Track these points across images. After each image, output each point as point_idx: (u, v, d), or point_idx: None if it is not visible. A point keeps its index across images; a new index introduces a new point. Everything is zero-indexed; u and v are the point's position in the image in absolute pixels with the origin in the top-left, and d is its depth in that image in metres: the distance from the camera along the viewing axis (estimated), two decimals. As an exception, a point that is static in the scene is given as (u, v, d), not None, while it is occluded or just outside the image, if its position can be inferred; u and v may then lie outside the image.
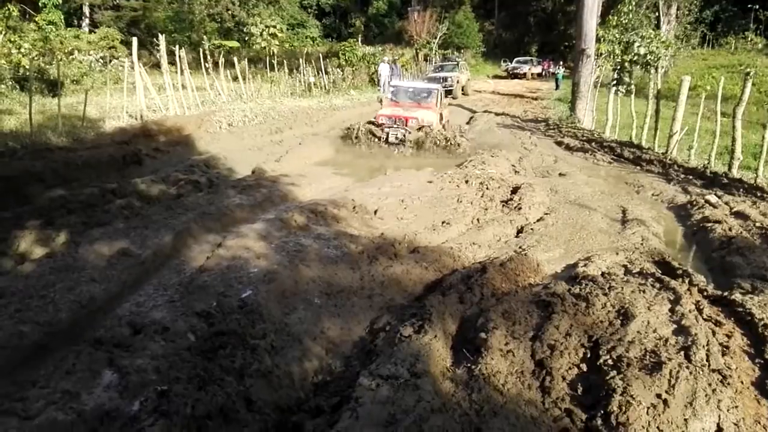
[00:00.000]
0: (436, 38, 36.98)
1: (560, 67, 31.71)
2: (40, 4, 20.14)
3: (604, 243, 6.03)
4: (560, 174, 9.64)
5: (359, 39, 35.71)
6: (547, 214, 7.06)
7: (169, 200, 7.11)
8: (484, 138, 13.84)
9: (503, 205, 7.30)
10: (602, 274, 4.73)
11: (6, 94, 14.51)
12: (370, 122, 12.40)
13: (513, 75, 37.58)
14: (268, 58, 23.88)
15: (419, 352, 3.29)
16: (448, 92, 24.49)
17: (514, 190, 7.88)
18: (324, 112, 17.06)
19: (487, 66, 42.96)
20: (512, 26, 48.67)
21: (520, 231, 6.43)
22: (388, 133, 11.76)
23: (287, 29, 35.15)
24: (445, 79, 24.81)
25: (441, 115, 13.19)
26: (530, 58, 40.98)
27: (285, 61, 24.13)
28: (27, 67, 15.97)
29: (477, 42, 43.19)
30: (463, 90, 25.57)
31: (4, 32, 17.01)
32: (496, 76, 38.91)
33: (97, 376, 3.12)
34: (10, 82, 15.65)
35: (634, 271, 4.85)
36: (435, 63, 32.55)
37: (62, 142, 9.84)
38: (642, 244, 5.94)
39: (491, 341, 3.31)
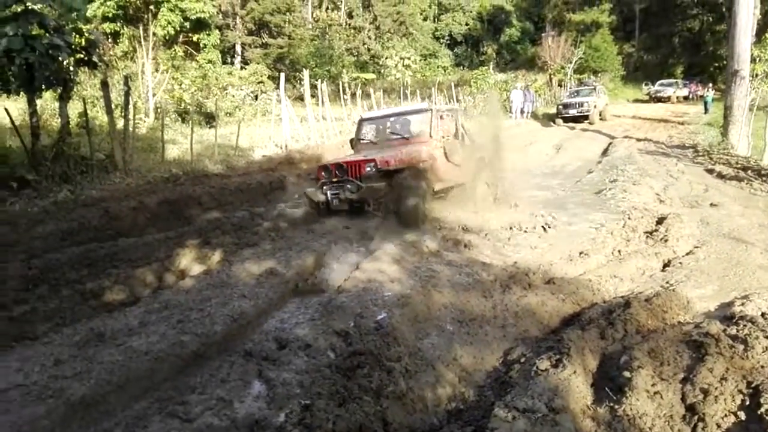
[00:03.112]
0: (571, 63, 35.98)
1: (709, 90, 29.39)
2: (201, 44, 22.39)
3: (765, 281, 5.46)
4: (711, 204, 8.90)
5: (491, 66, 35.74)
6: (697, 247, 6.54)
7: (311, 224, 7.54)
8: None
9: (647, 237, 6.88)
10: (763, 314, 4.29)
11: (170, 125, 16.18)
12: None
13: (656, 99, 35.46)
14: (401, 88, 24.59)
15: (557, 387, 3.19)
16: (585, 117, 23.74)
17: (660, 221, 7.40)
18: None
19: (626, 90, 40.97)
20: (654, 48, 46.12)
21: (666, 265, 6.02)
22: (327, 194, 7.49)
23: (420, 59, 36.04)
24: (581, 105, 24.12)
25: (445, 150, 8.27)
26: (675, 80, 38.48)
27: (417, 91, 24.71)
28: (188, 101, 17.85)
29: (616, 65, 41.40)
30: (600, 115, 24.60)
31: (168, 70, 19.13)
32: (636, 100, 36.96)
33: (248, 386, 3.36)
34: (174, 115, 17.49)
35: (802, 314, 4.34)
36: (570, 88, 31.66)
37: (217, 169, 10.81)
38: (812, 284, 5.30)
39: (636, 381, 3.13)
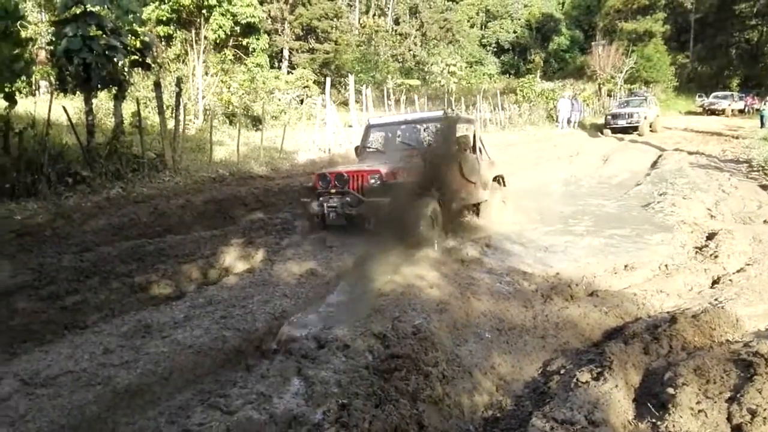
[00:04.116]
0: (621, 72, 35.27)
1: (766, 103, 28.33)
2: (250, 48, 22.87)
3: (821, 302, 5.24)
4: (765, 221, 8.58)
5: (538, 75, 35.37)
6: (748, 264, 6.31)
7: (353, 227, 7.60)
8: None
9: (696, 252, 6.70)
10: (818, 336, 4.12)
11: (218, 127, 16.58)
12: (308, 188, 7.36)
13: (710, 111, 34.36)
14: (446, 95, 24.57)
15: (598, 400, 3.14)
16: (634, 128, 23.25)
17: (710, 236, 7.19)
18: (498, 148, 17.04)
19: (679, 101, 39.88)
20: (709, 59, 44.73)
21: (716, 282, 5.83)
22: (323, 206, 6.61)
23: (465, 67, 35.93)
24: (630, 115, 23.61)
25: (460, 165, 7.24)
26: (730, 92, 37.23)
27: (462, 98, 24.64)
28: (235, 104, 18.24)
29: (668, 76, 40.36)
30: (650, 127, 24.03)
31: (217, 73, 19.59)
32: (689, 113, 35.92)
33: (287, 382, 3.42)
34: (222, 117, 17.90)
35: None
36: (620, 98, 31.04)
37: (262, 171, 11.04)
38: None
39: (680, 398, 3.05)
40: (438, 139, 7.46)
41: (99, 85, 10.32)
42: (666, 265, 6.23)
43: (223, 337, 4.22)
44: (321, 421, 2.99)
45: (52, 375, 3.67)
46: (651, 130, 23.99)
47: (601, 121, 26.37)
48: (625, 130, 23.52)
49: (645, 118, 23.59)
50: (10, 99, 9.11)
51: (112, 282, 5.57)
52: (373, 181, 6.44)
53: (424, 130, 7.88)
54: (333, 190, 6.62)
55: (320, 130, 14.95)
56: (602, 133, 24.37)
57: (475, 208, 7.92)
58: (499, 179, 8.44)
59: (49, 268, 5.91)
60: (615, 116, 24.20)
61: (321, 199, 6.67)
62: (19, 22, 9.16)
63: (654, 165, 15.70)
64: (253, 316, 4.54)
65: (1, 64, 8.42)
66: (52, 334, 4.51)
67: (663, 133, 24.19)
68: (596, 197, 10.92)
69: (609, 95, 34.51)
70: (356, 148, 8.29)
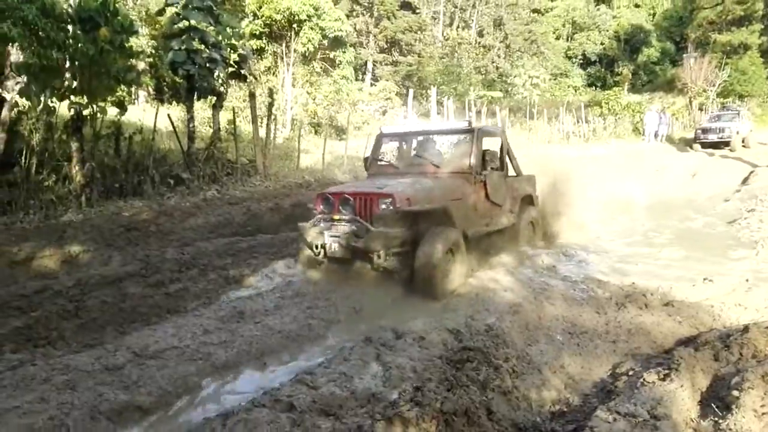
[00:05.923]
0: (714, 86, 33.63)
1: None
2: (336, 61, 23.71)
3: None
4: None
5: (625, 87, 34.34)
6: (839, 282, 6.09)
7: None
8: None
9: (781, 269, 6.52)
10: None
11: (304, 136, 17.37)
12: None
13: (811, 126, 32.11)
14: (528, 107, 24.41)
15: (662, 398, 3.25)
16: (725, 143, 22.22)
17: (798, 254, 6.96)
18: (582, 161, 16.85)
19: (775, 116, 37.49)
20: (812, 71, 41.70)
21: (801, 299, 5.69)
22: (324, 234, 5.61)
23: (550, 78, 35.45)
24: (722, 130, 22.56)
25: (486, 186, 6.43)
26: (831, 107, 34.64)
27: (545, 110, 24.40)
28: (320, 115, 19.01)
29: (764, 90, 38.00)
30: (743, 142, 22.86)
31: (304, 85, 20.46)
32: (787, 128, 33.70)
33: (366, 366, 3.75)
34: (308, 127, 18.71)
35: None
36: (711, 112, 29.66)
37: (346, 178, 11.53)
38: None
39: (744, 400, 3.12)
40: (460, 155, 6.56)
41: (200, 95, 11.19)
42: (747, 280, 6.10)
43: (309, 325, 4.64)
44: (397, 399, 3.28)
45: (159, 349, 4.19)
46: (743, 146, 22.80)
47: (690, 135, 25.36)
48: (716, 145, 22.51)
49: (737, 132, 22.47)
50: (121, 106, 10.05)
51: (210, 273, 6.15)
52: (384, 206, 5.41)
53: (445, 143, 7.08)
54: (337, 217, 5.63)
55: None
56: (691, 147, 23.43)
57: (499, 234, 6.84)
58: (529, 199, 7.53)
59: (154, 260, 6.58)
60: (705, 131, 23.21)
61: (323, 225, 5.71)
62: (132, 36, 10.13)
63: (745, 181, 15.00)
64: (336, 308, 4.95)
65: (117, 74, 9.31)
66: (157, 316, 5.08)
67: (756, 149, 22.89)
68: (681, 212, 10.67)
69: (700, 109, 32.98)
70: (365, 160, 7.33)
